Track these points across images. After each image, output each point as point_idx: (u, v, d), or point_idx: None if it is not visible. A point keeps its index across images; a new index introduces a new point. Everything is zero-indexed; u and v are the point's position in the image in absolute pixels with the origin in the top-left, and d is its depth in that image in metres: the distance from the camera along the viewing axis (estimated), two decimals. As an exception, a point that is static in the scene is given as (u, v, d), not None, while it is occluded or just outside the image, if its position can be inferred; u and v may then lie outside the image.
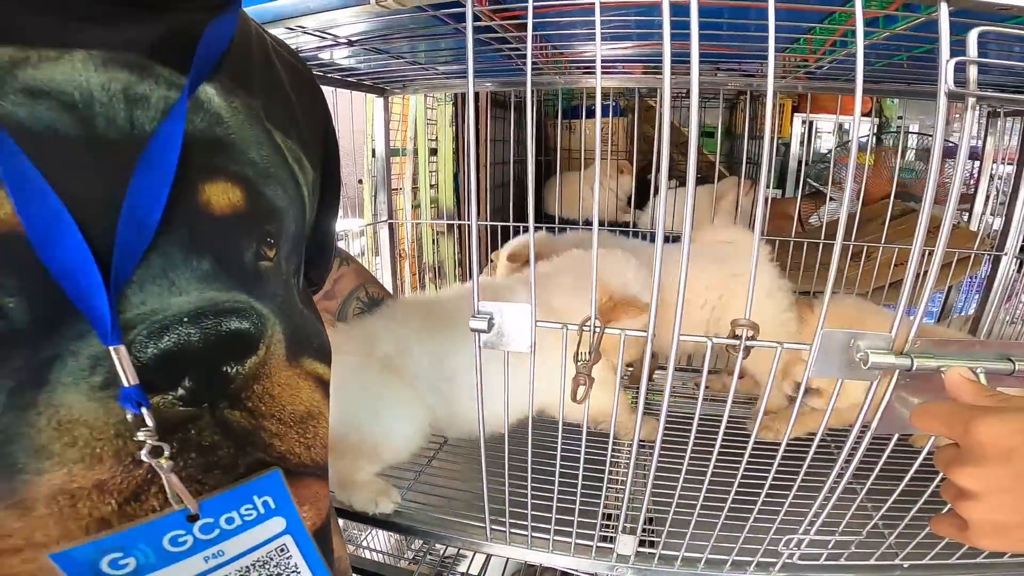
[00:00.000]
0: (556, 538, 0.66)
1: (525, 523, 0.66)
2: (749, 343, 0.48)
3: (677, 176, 1.58)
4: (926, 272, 1.08)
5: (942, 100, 0.40)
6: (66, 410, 0.29)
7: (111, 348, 0.29)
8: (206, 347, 0.34)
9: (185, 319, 0.32)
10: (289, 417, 0.40)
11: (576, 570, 0.69)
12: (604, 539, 0.66)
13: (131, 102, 0.32)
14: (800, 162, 2.01)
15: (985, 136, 1.11)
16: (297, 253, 0.44)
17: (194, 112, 0.35)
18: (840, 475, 0.52)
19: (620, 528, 0.62)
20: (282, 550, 0.35)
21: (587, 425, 0.58)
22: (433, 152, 1.62)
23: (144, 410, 0.30)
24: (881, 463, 0.51)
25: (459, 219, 1.45)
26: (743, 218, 1.31)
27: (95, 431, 0.30)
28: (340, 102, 1.06)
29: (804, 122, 2.05)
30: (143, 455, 0.30)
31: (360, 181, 1.53)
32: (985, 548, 0.35)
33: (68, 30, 0.30)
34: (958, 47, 0.41)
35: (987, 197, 1.15)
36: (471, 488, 0.77)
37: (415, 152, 1.59)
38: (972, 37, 0.40)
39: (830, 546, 0.59)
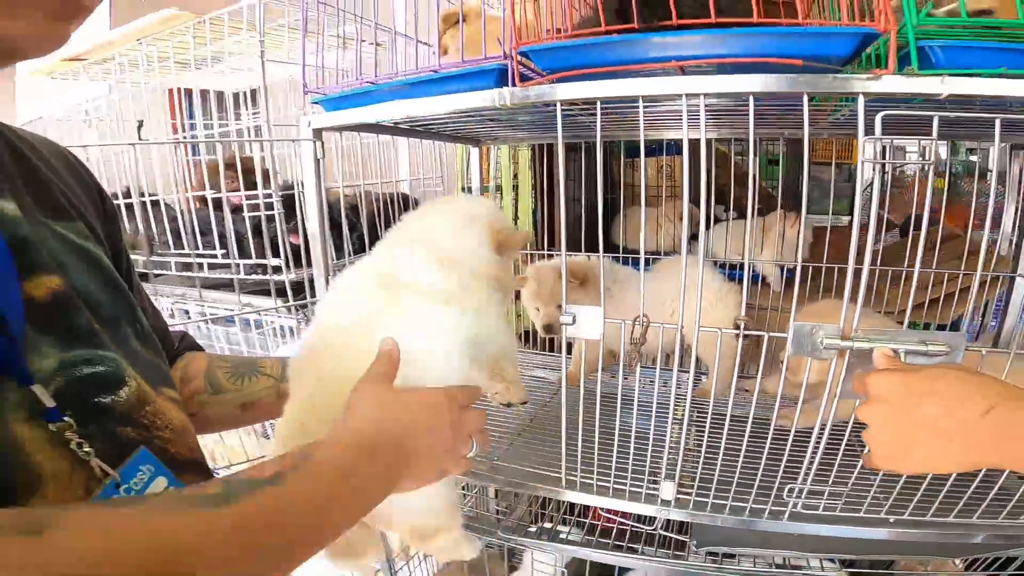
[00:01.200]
0: (615, 486, 0.88)
1: (592, 475, 0.88)
2: (747, 332, 0.70)
3: (738, 209, 1.73)
4: (952, 293, 1.20)
5: (859, 168, 0.61)
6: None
7: (32, 387, 0.42)
8: (69, 385, 0.45)
9: (50, 368, 0.45)
10: (178, 428, 0.53)
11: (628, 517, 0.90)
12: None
13: None
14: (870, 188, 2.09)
15: (1009, 163, 1.23)
16: (120, 306, 0.54)
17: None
18: (820, 434, 0.71)
19: (663, 475, 0.83)
20: None
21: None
22: (514, 189, 1.90)
23: (66, 418, 0.43)
24: (850, 426, 0.70)
25: (538, 249, 1.70)
26: (788, 248, 1.44)
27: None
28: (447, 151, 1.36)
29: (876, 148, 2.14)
30: (74, 447, 0.43)
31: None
32: (882, 469, 0.54)
33: None
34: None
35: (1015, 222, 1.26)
36: (549, 452, 0.99)
37: (497, 189, 1.87)
38: (877, 120, 0.60)
39: (825, 496, 0.77)
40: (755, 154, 0.70)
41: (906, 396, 0.52)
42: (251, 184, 1.22)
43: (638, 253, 1.53)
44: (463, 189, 1.77)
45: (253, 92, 1.92)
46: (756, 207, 1.52)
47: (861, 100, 0.63)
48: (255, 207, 1.20)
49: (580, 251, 1.30)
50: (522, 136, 1.42)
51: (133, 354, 0.52)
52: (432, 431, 0.56)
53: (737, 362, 0.73)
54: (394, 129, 1.16)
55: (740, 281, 1.23)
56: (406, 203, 1.51)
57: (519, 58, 0.77)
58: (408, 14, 1.23)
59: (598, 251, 0.80)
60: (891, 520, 0.78)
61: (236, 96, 1.84)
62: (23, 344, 0.43)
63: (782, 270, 1.42)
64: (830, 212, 1.53)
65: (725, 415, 0.77)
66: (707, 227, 1.42)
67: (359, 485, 0.48)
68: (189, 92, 1.82)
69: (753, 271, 1.47)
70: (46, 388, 0.43)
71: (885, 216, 1.62)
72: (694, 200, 0.81)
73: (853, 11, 0.70)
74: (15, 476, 0.41)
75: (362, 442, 0.50)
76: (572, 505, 1.30)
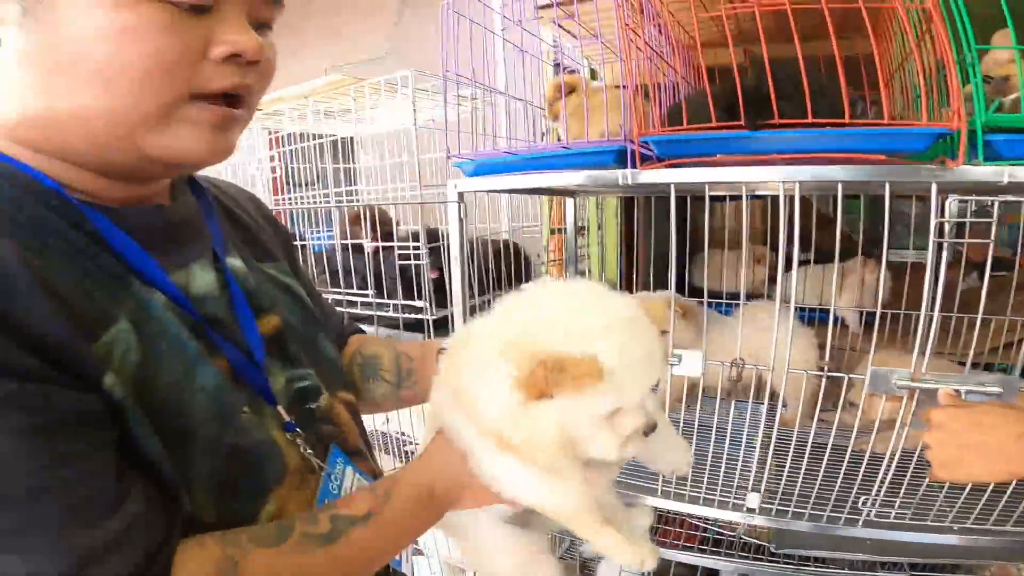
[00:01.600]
0: (706, 495, 1.03)
1: (685, 486, 1.04)
2: (828, 373, 0.85)
3: (818, 251, 1.64)
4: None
5: (931, 246, 0.75)
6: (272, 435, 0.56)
7: (276, 407, 0.57)
8: (291, 397, 0.60)
9: (281, 388, 0.59)
10: (350, 425, 0.67)
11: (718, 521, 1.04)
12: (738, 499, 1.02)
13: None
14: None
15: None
16: (313, 328, 0.69)
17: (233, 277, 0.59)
18: (892, 457, 0.85)
19: (749, 488, 0.98)
20: (359, 480, 0.64)
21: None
22: (599, 228, 2.08)
23: (297, 430, 0.58)
24: (918, 449, 0.83)
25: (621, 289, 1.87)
26: (868, 292, 1.46)
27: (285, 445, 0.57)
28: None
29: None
30: (302, 449, 0.58)
31: (538, 255, 2.03)
32: (941, 478, 0.70)
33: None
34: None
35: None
36: (643, 469, 1.14)
37: (580, 231, 2.05)
38: (947, 203, 0.75)
39: (896, 507, 0.90)
40: (841, 208, 0.85)
41: (959, 426, 0.69)
42: (386, 232, 1.47)
43: (715, 295, 1.67)
44: (551, 231, 1.96)
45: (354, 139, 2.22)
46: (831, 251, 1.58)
47: (934, 187, 0.77)
48: (396, 252, 1.44)
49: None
50: (615, 192, 1.61)
51: (322, 367, 0.67)
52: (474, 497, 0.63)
53: (820, 401, 0.88)
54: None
55: (817, 323, 1.36)
56: (507, 249, 1.72)
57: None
58: (511, 77, 1.45)
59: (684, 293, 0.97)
60: (955, 528, 0.89)
61: (353, 140, 2.12)
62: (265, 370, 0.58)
63: (861, 314, 1.48)
64: (911, 246, 1.52)
65: (806, 442, 0.92)
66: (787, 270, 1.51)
67: (417, 527, 0.61)
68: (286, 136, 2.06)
69: (828, 312, 1.54)
70: (281, 400, 0.58)
71: (964, 256, 1.64)
72: (774, 245, 0.96)
73: (932, 108, 0.84)
74: (278, 468, 0.55)
75: (433, 493, 0.60)
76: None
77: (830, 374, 0.85)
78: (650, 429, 0.52)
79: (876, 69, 0.99)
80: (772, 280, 1.47)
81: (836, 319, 1.52)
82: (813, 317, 1.40)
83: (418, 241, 1.43)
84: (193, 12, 0.46)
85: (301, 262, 0.80)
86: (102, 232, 0.47)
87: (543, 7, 1.26)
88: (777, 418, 0.96)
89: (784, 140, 0.82)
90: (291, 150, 1.70)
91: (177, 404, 0.47)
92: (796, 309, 0.89)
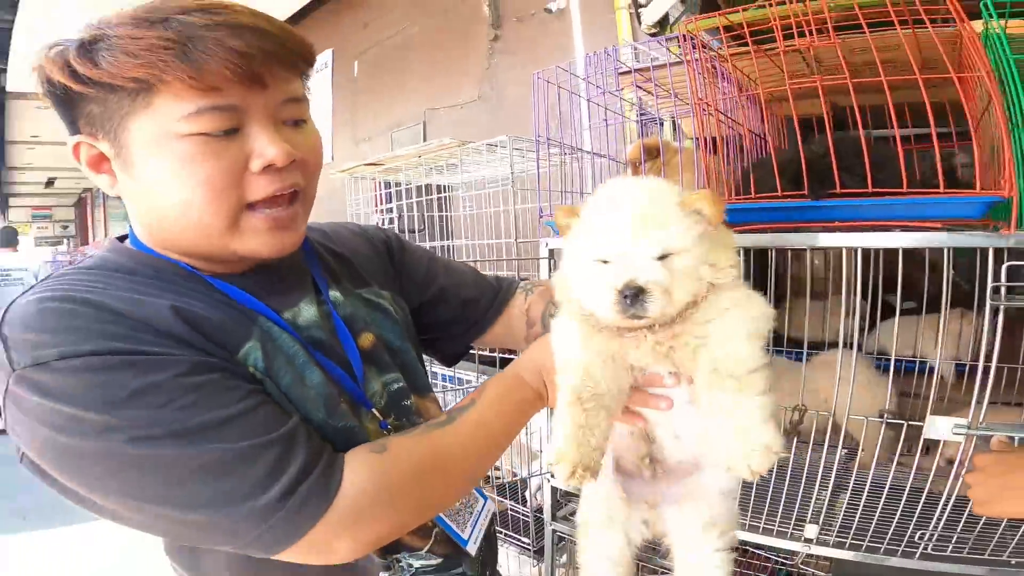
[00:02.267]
0: (765, 526, 1.12)
1: (745, 517, 1.12)
2: (890, 420, 0.94)
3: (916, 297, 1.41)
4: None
5: (988, 306, 0.83)
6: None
7: (372, 410, 0.72)
8: (390, 398, 0.74)
9: (378, 390, 0.74)
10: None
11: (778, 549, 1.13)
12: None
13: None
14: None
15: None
16: (400, 336, 0.81)
17: (335, 307, 0.75)
18: (950, 495, 0.92)
19: (808, 519, 1.07)
20: None
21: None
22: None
23: (389, 427, 0.72)
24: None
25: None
26: (967, 345, 1.34)
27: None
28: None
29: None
30: None
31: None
32: (981, 513, 0.78)
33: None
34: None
35: None
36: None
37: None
38: (1002, 270, 0.81)
39: (954, 540, 0.95)
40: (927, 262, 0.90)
41: (1001, 469, 0.77)
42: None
43: (797, 342, 1.63)
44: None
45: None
46: (922, 299, 1.37)
47: (991, 253, 0.84)
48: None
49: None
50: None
51: (411, 373, 0.80)
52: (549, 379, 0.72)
53: (900, 445, 0.96)
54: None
55: (903, 373, 1.32)
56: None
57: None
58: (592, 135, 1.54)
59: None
60: (1012, 562, 0.93)
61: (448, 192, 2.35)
62: (364, 381, 0.73)
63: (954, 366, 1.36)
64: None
65: (876, 482, 0.99)
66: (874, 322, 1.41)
67: (515, 407, 0.73)
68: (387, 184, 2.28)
69: (923, 362, 1.39)
70: (379, 401, 0.74)
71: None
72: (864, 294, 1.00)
73: (997, 166, 0.90)
74: None
75: (522, 377, 0.73)
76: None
77: (890, 420, 0.94)
78: (631, 291, 0.57)
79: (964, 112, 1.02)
80: (860, 330, 1.41)
81: (928, 369, 1.34)
82: (899, 367, 1.30)
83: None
84: (226, 136, 0.59)
85: (416, 253, 0.94)
86: (230, 294, 0.67)
87: (623, 73, 1.40)
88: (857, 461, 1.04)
89: (846, 209, 0.92)
90: (408, 203, 1.96)
91: (295, 397, 0.65)
92: (873, 358, 0.95)
